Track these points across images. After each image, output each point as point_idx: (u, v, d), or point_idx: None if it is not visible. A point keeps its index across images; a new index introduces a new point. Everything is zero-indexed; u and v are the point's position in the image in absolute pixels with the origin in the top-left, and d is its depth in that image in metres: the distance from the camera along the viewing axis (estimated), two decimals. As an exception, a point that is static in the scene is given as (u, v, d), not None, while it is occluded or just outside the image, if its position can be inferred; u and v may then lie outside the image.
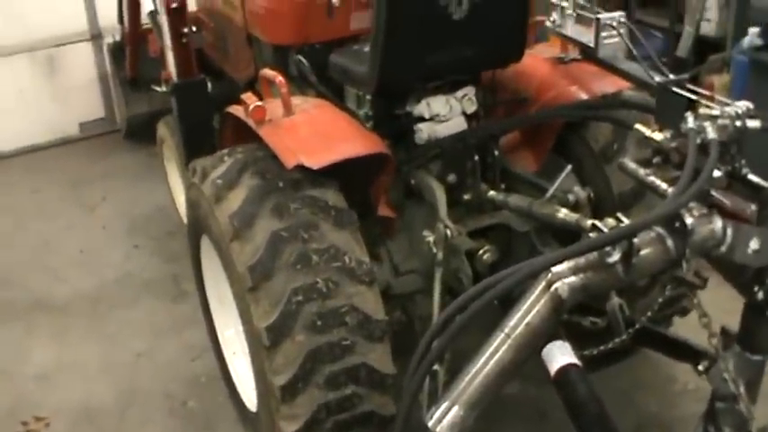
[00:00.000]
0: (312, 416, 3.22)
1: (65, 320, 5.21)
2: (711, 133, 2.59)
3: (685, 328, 3.69)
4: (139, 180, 6.87)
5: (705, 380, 2.91)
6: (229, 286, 3.46)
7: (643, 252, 2.51)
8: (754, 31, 5.17)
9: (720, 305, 2.87)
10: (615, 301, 3.27)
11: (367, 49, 3.55)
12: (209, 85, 4.95)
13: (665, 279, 2.95)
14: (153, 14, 5.31)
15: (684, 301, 3.84)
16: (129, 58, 7.04)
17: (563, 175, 3.68)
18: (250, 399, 3.80)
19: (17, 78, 7.55)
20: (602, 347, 3.12)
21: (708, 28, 6.10)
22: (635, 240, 2.46)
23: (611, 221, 2.97)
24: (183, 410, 4.39)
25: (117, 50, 7.44)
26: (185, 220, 4.23)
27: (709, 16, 6.10)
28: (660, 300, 3.10)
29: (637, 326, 3.14)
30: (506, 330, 2.42)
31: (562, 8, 3.70)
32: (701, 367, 3.08)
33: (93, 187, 6.90)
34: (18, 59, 7.52)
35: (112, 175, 7.09)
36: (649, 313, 3.19)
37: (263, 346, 3.13)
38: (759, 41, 5.15)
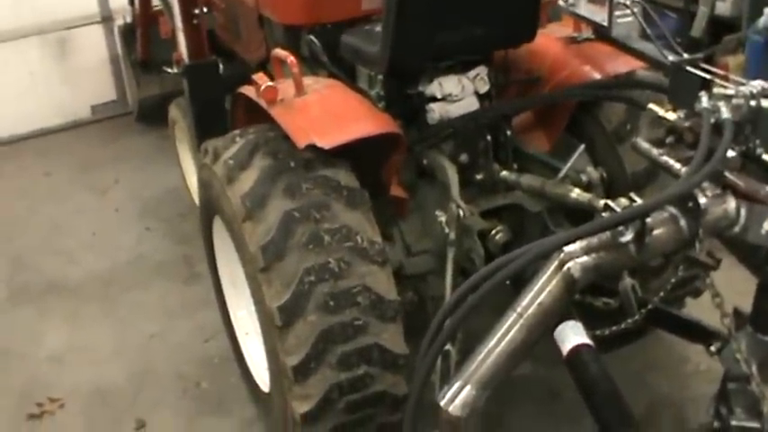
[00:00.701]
0: (324, 396, 3.23)
1: (78, 303, 5.24)
2: (725, 113, 2.58)
3: (698, 309, 3.68)
4: (151, 162, 6.88)
5: (717, 361, 2.89)
6: (242, 267, 3.46)
7: (656, 232, 2.50)
8: (769, 11, 5.14)
9: (734, 286, 2.85)
10: (628, 281, 3.26)
11: (379, 29, 3.54)
12: (221, 66, 4.95)
13: (678, 259, 2.94)
14: (164, -5, 5.32)
15: (697, 282, 3.84)
16: (141, 39, 7.03)
17: (576, 154, 3.67)
18: (263, 379, 3.81)
19: (28, 61, 7.56)
20: (614, 328, 3.13)
21: (723, 8, 6.04)
22: (648, 220, 2.45)
23: (623, 201, 2.97)
24: (196, 391, 4.41)
25: (128, 32, 7.42)
26: (197, 201, 4.23)
27: (725, -4, 6.05)
28: (673, 280, 3.10)
29: (649, 306, 3.13)
30: (518, 310, 2.41)
31: (575, -13, 3.69)
32: (713, 348, 3.07)
33: (105, 170, 6.91)
34: (29, 42, 7.52)
35: (124, 158, 7.10)
36: (662, 294, 3.18)
37: (276, 327, 3.14)
38: (774, 22, 5.11)
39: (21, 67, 7.52)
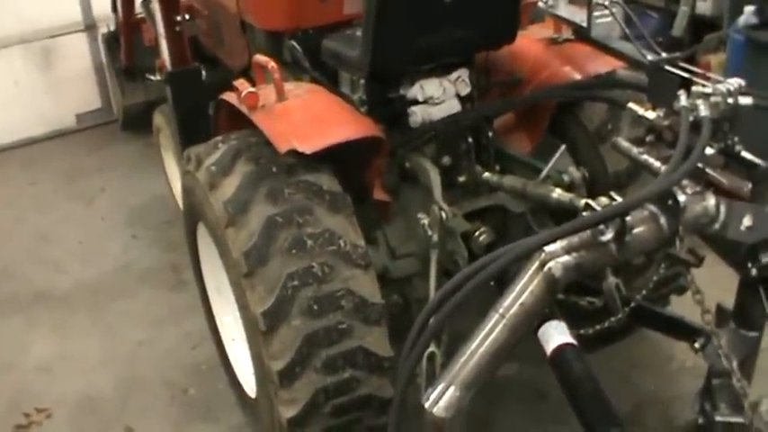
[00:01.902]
0: (311, 400, 3.23)
1: (65, 312, 5.23)
2: (704, 111, 2.60)
3: (683, 306, 3.69)
4: (137, 170, 6.87)
5: (702, 357, 2.91)
6: (226, 273, 3.47)
7: (636, 230, 2.52)
8: (749, 9, 5.16)
9: (718, 283, 2.88)
10: (612, 280, 3.27)
11: (359, 33, 3.55)
12: (204, 72, 4.95)
13: (660, 257, 2.96)
14: (146, 3, 5.32)
15: (681, 279, 3.85)
16: (124, 47, 7.03)
17: (557, 155, 3.68)
18: (249, 385, 3.81)
19: (12, 71, 7.54)
20: (599, 327, 3.13)
21: (704, 7, 6.08)
22: (628, 218, 2.47)
23: (604, 200, 2.99)
24: (183, 398, 4.40)
25: (112, 40, 7.42)
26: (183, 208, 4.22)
27: (705, -5, 6.08)
28: (655, 278, 3.11)
29: (633, 304, 3.15)
30: (501, 311, 2.42)
31: (555, -12, 3.70)
32: (697, 345, 3.08)
33: (90, 179, 6.90)
34: (12, 51, 7.50)
35: (110, 166, 7.09)
36: (645, 292, 3.20)
37: (260, 332, 3.14)
38: (755, 20, 5.14)
39: (5, 76, 7.50)
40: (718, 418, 2.67)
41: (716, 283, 2.90)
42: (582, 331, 3.05)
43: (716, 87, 2.62)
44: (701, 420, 2.73)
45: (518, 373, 4.14)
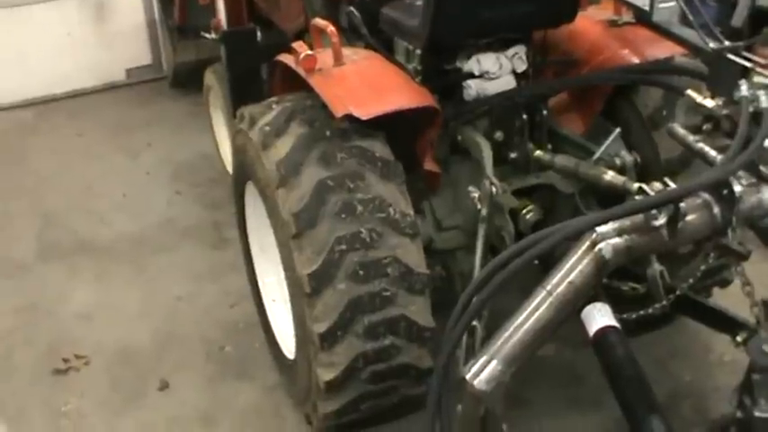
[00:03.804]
0: (350, 364, 3.25)
1: (107, 262, 5.28)
2: (765, 102, 2.58)
3: (724, 300, 3.67)
4: (184, 128, 6.90)
5: (742, 352, 2.89)
6: (273, 233, 3.49)
7: (689, 217, 2.51)
8: (812, 2, 5.08)
9: (762, 280, 2.86)
10: (656, 267, 3.27)
11: (420, 3, 3.53)
12: (259, 34, 4.95)
13: (709, 247, 2.94)
14: (204, -38, 5.32)
15: (725, 272, 3.84)
16: (179, 4, 7.01)
17: (611, 138, 3.64)
18: (288, 346, 3.84)
19: (66, 22, 7.57)
20: (641, 312, 3.13)
21: (765, -1, 6.00)
22: (681, 205, 2.45)
23: (657, 185, 2.96)
24: (219, 355, 4.44)
25: (166, -3, 7.45)
26: (229, 168, 4.25)
27: (768, -14, 6.00)
28: (703, 267, 3.10)
29: (677, 292, 3.14)
30: (548, 288, 2.43)
31: (617, -30, 3.67)
32: (739, 338, 3.08)
33: (137, 133, 6.94)
34: (67, 3, 7.53)
35: (157, 122, 7.13)
36: (691, 280, 3.19)
37: (305, 294, 3.16)
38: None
39: (59, 27, 7.54)
40: (757, 414, 2.64)
41: (760, 279, 2.88)
42: (625, 316, 3.05)
43: (778, 79, 2.60)
44: (739, 414, 2.70)
45: (556, 356, 4.13)
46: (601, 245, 2.42)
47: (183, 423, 4.02)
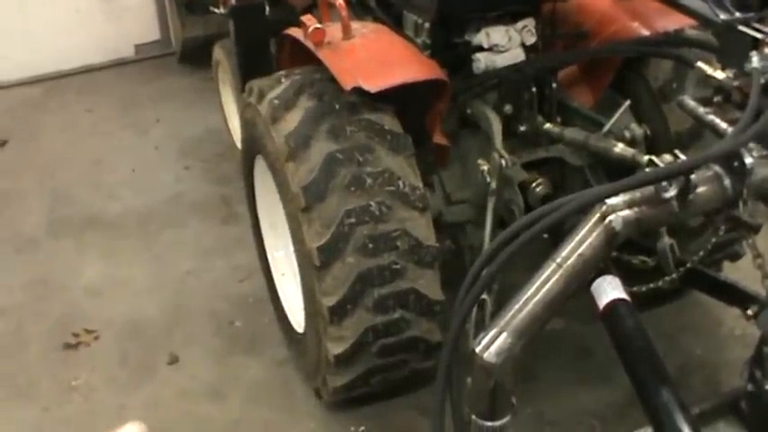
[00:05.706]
0: (359, 338, 3.26)
1: (116, 237, 5.29)
2: (776, 73, 2.56)
3: (735, 275, 3.66)
4: (192, 103, 6.88)
5: (753, 326, 2.88)
6: (282, 207, 3.49)
7: (700, 189, 2.49)
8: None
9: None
10: (666, 240, 3.25)
11: (429, -25, 3.52)
12: (267, 8, 4.93)
13: (720, 220, 2.93)
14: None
15: (736, 245, 3.83)
16: (187, -20, 7.03)
17: (621, 110, 3.62)
18: (297, 320, 3.85)
19: (74, -1, 7.57)
20: (651, 285, 3.12)
21: (775, -29, 5.95)
22: (692, 177, 2.44)
23: (667, 157, 2.95)
24: (229, 330, 4.45)
25: (174, -28, 7.42)
26: (238, 143, 4.24)
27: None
28: (714, 240, 3.09)
29: (688, 265, 3.12)
30: (558, 260, 2.41)
31: (627, -59, 3.64)
32: (750, 311, 3.06)
33: (146, 109, 6.94)
34: (76, -22, 7.53)
35: (165, 98, 7.11)
36: (702, 253, 3.17)
37: (314, 267, 3.16)
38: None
39: (67, 3, 7.51)
40: (768, 387, 2.65)
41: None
42: (635, 289, 3.04)
43: (790, 50, 2.58)
44: (750, 387, 2.71)
45: (565, 330, 4.13)
46: (611, 217, 2.40)
47: (193, 397, 4.03)
